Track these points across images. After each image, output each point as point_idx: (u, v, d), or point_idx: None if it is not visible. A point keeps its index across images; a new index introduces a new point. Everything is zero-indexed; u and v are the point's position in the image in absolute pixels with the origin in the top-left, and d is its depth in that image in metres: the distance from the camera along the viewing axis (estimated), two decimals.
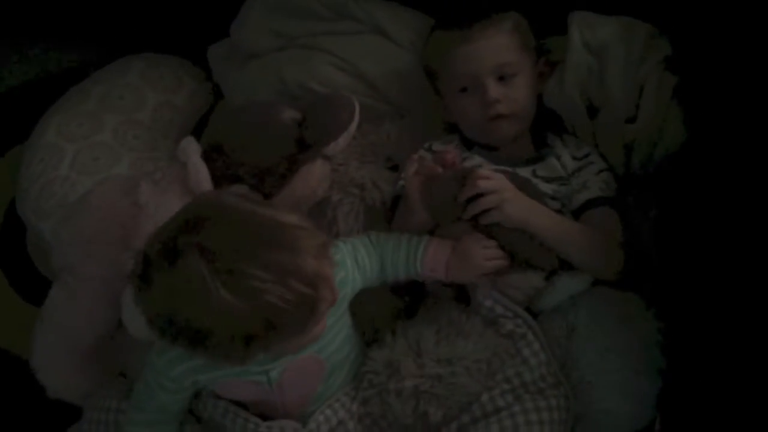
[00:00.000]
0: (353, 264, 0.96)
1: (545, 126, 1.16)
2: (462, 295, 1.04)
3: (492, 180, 0.98)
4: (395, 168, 1.20)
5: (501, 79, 1.08)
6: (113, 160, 1.22)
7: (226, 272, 0.71)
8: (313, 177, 1.08)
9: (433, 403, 0.92)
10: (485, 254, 0.98)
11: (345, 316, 0.97)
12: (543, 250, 0.99)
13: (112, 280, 0.96)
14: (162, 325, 0.74)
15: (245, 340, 0.73)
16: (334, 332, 0.93)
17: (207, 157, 1.02)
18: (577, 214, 1.08)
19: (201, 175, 0.98)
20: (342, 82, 1.21)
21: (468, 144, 1.16)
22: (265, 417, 0.95)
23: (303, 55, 1.24)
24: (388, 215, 1.13)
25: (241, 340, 0.73)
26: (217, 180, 1.01)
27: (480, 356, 0.94)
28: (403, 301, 1.08)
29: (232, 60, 1.32)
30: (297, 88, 1.22)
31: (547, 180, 1.10)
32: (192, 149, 1.01)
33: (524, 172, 1.10)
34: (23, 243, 1.33)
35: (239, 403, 0.96)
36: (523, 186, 1.02)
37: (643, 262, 1.03)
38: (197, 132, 1.35)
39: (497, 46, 1.08)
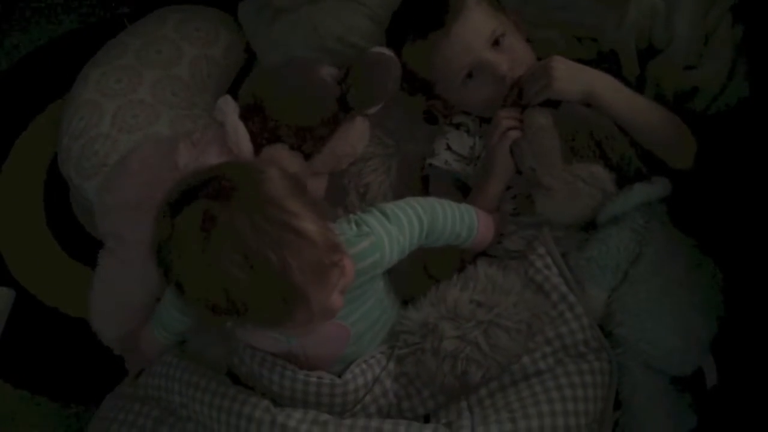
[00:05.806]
0: (391, 246, 0.91)
1: None
2: None
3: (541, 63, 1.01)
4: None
5: (496, 44, 1.06)
6: (153, 117, 1.21)
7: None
8: (354, 135, 1.06)
9: (472, 363, 0.91)
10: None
11: (374, 285, 0.94)
12: (616, 131, 0.97)
13: None
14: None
15: (212, 309, 0.75)
16: (359, 303, 0.92)
17: (245, 116, 1.00)
18: None
19: (240, 135, 0.96)
20: (377, 33, 1.17)
21: None
22: None
23: (335, 7, 1.19)
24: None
25: (207, 309, 0.76)
26: (256, 139, 0.99)
27: (520, 317, 0.92)
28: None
29: (262, 16, 1.28)
30: (334, 42, 1.18)
31: None
32: (229, 108, 0.99)
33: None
34: (67, 199, 1.34)
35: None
36: None
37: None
38: (234, 89, 1.31)
39: (476, 23, 1.05)
